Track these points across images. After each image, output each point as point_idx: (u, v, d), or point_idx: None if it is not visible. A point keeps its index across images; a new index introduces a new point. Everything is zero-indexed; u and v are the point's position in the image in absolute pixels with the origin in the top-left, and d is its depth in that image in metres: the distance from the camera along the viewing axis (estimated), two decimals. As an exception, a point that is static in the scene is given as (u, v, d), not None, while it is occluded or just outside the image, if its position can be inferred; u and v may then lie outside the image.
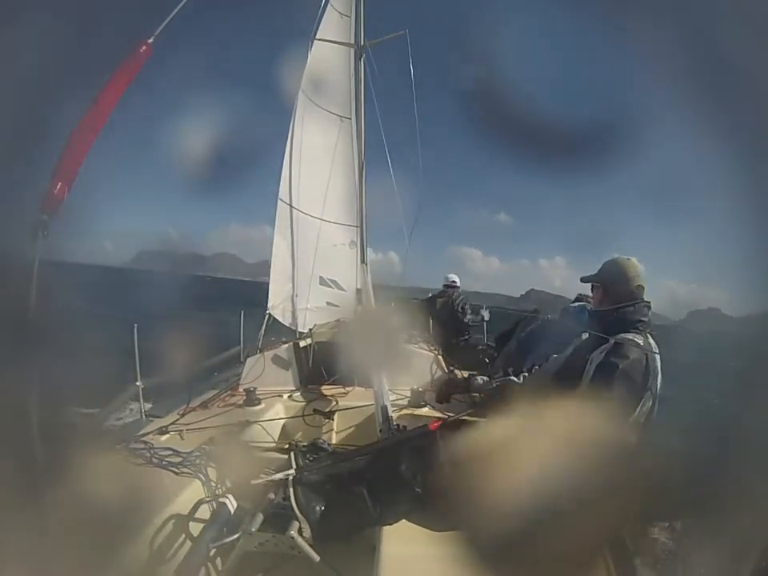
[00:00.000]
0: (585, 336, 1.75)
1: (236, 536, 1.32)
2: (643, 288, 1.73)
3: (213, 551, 1.33)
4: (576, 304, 2.99)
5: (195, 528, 1.40)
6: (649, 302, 1.75)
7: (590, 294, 2.02)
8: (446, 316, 4.82)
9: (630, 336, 1.62)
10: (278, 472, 1.47)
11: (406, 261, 5.36)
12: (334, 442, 2.38)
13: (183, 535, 1.40)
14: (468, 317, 4.87)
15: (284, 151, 4.53)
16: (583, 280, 1.95)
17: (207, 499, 1.50)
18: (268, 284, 4.35)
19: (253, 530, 1.35)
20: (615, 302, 1.72)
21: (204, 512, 1.45)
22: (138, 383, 2.88)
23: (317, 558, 1.41)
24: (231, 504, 1.39)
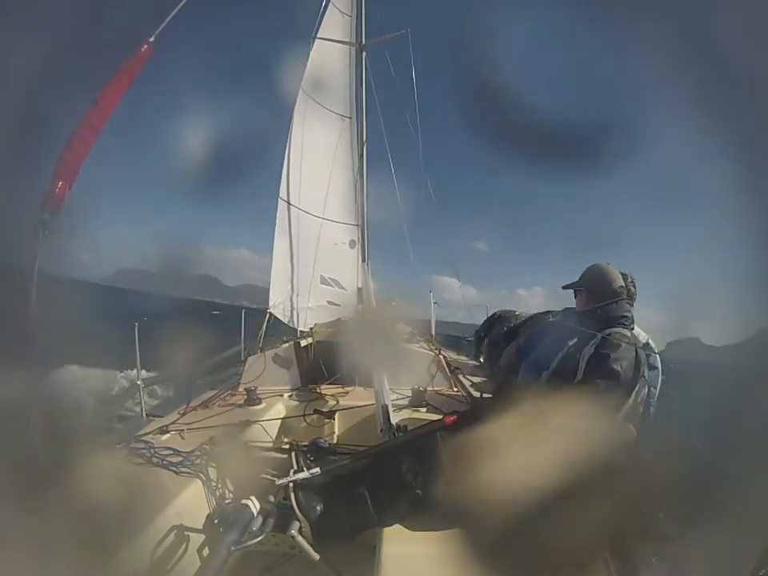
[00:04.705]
0: (571, 342, 1.81)
1: (259, 539, 1.30)
2: (624, 288, 1.81)
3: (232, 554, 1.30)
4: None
5: (192, 531, 1.39)
6: (630, 300, 1.82)
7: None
8: None
9: (616, 330, 1.69)
10: (297, 472, 1.46)
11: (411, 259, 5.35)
12: (334, 441, 2.38)
13: (182, 537, 1.39)
14: None
15: (284, 150, 4.52)
16: (566, 287, 2.01)
17: (228, 501, 1.48)
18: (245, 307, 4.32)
19: (254, 529, 1.34)
20: (599, 301, 1.79)
21: (204, 513, 1.43)
22: (138, 382, 2.88)
23: (317, 557, 1.41)
24: (254, 506, 1.36)
